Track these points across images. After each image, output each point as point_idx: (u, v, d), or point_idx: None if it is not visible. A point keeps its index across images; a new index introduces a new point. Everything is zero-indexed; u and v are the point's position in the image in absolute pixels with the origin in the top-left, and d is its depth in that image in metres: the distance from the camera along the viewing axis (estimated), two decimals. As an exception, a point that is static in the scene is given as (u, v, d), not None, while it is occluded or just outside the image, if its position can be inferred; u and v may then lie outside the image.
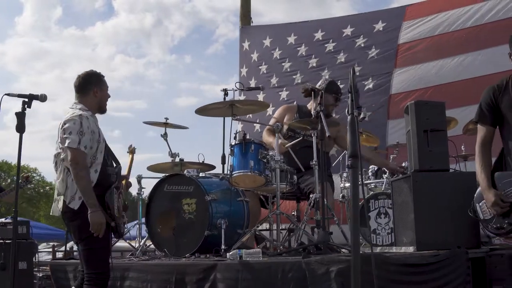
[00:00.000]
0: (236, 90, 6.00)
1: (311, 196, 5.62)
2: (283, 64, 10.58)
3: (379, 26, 9.68)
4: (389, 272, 4.22)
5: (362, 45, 9.74)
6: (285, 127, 6.46)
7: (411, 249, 5.16)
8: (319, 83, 6.65)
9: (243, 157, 5.54)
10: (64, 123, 4.60)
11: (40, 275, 9.95)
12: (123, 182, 5.16)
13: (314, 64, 10.18)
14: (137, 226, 7.00)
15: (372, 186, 7.02)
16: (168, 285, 4.90)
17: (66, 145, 4.52)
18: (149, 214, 6.16)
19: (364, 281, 3.94)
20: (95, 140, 4.62)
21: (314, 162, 5.32)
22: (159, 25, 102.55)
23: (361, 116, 3.53)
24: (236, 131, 5.71)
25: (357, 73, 9.60)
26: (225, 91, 6.04)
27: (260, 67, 10.93)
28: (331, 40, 10.11)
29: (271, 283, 4.26)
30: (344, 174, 7.29)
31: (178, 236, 5.87)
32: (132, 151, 6.23)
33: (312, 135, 5.54)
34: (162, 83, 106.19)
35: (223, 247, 5.43)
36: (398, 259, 4.47)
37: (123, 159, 5.85)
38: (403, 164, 6.54)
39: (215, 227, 5.64)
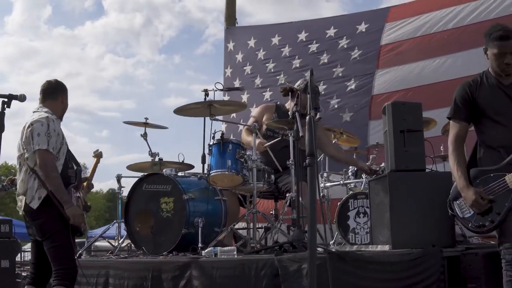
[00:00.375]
0: (216, 91, 6.05)
1: (287, 195, 5.68)
2: (267, 64, 10.65)
3: (362, 27, 9.77)
4: (362, 270, 4.31)
5: (345, 46, 9.83)
6: (264, 126, 6.50)
7: (386, 247, 5.24)
8: (297, 83, 6.70)
9: (221, 156, 5.63)
10: (32, 124, 4.73)
11: (25, 274, 9.96)
12: (84, 183, 5.33)
13: (298, 65, 10.26)
14: (116, 224, 7.02)
15: (352, 186, 7.10)
16: (145, 282, 4.98)
17: (35, 146, 4.64)
18: (128, 213, 6.22)
19: (335, 278, 4.03)
20: (59, 142, 4.79)
21: (290, 162, 5.38)
22: (149, 25, 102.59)
23: (317, 116, 3.57)
24: (215, 131, 5.77)
25: (340, 74, 9.71)
26: (206, 92, 6.09)
27: (244, 68, 11.00)
28: (314, 41, 10.20)
29: (244, 280, 4.34)
30: (325, 174, 7.37)
31: (156, 235, 5.94)
32: (97, 155, 6.31)
33: (289, 135, 5.61)
34: (151, 83, 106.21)
35: (200, 245, 5.50)
36: (371, 257, 4.55)
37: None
38: (382, 164, 6.61)
39: (192, 226, 5.72)
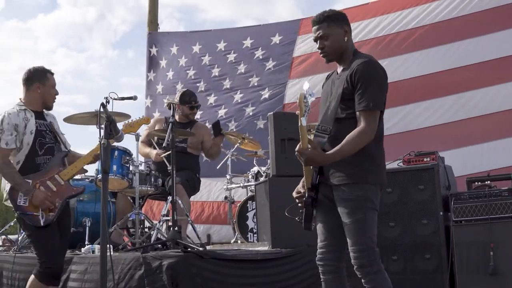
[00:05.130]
0: (113, 99, 6.33)
1: (168, 198, 6.12)
2: (187, 71, 10.91)
3: (276, 39, 10.14)
4: (223, 267, 4.74)
5: (261, 57, 10.18)
6: (155, 137, 6.87)
7: (267, 246, 5.72)
8: (175, 96, 7.30)
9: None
10: None
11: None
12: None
13: (217, 74, 10.54)
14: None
15: (253, 188, 7.53)
16: None
17: None
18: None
19: (193, 274, 4.47)
20: (21, 133, 4.73)
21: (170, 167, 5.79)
22: (102, 19, 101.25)
23: (103, 142, 3.94)
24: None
25: (255, 83, 10.12)
26: (106, 99, 6.42)
27: (167, 73, 11.25)
28: (232, 51, 10.50)
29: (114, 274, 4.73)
30: (227, 176, 7.80)
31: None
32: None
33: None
34: (104, 78, 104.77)
35: (86, 242, 6.00)
36: (234, 255, 4.99)
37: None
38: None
39: (81, 225, 6.26)
